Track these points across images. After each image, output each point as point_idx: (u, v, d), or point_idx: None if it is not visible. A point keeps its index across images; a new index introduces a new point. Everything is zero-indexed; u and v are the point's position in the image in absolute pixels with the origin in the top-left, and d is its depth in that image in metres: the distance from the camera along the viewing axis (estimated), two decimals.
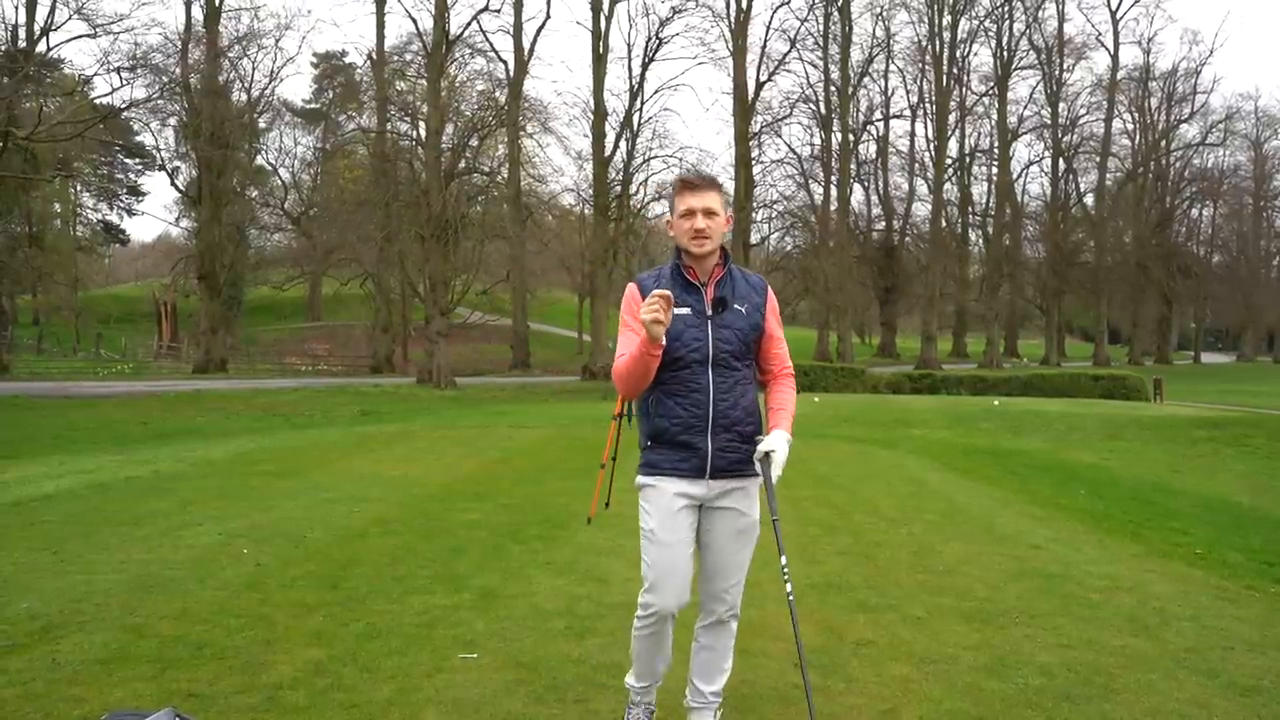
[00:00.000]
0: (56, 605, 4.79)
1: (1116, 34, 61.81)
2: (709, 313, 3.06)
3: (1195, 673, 4.02)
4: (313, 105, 63.97)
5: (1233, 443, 17.67)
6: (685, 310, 3.04)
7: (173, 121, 41.86)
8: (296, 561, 5.85)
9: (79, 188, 57.14)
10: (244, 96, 43.27)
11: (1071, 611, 4.96)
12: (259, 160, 54.91)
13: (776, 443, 3.04)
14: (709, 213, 3.03)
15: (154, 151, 49.51)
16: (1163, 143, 66.53)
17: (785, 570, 3.08)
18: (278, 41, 52.91)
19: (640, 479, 3.16)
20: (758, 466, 3.07)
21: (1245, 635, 4.60)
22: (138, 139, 52.14)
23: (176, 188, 45.38)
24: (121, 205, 62.52)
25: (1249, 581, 5.85)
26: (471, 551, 6.22)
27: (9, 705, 3.49)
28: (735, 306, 3.09)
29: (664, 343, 2.90)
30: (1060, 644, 4.39)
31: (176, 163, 46.56)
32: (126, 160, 58.70)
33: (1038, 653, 4.25)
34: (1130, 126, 66.11)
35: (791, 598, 3.12)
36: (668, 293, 2.78)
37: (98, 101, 33.79)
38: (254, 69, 42.94)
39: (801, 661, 3.11)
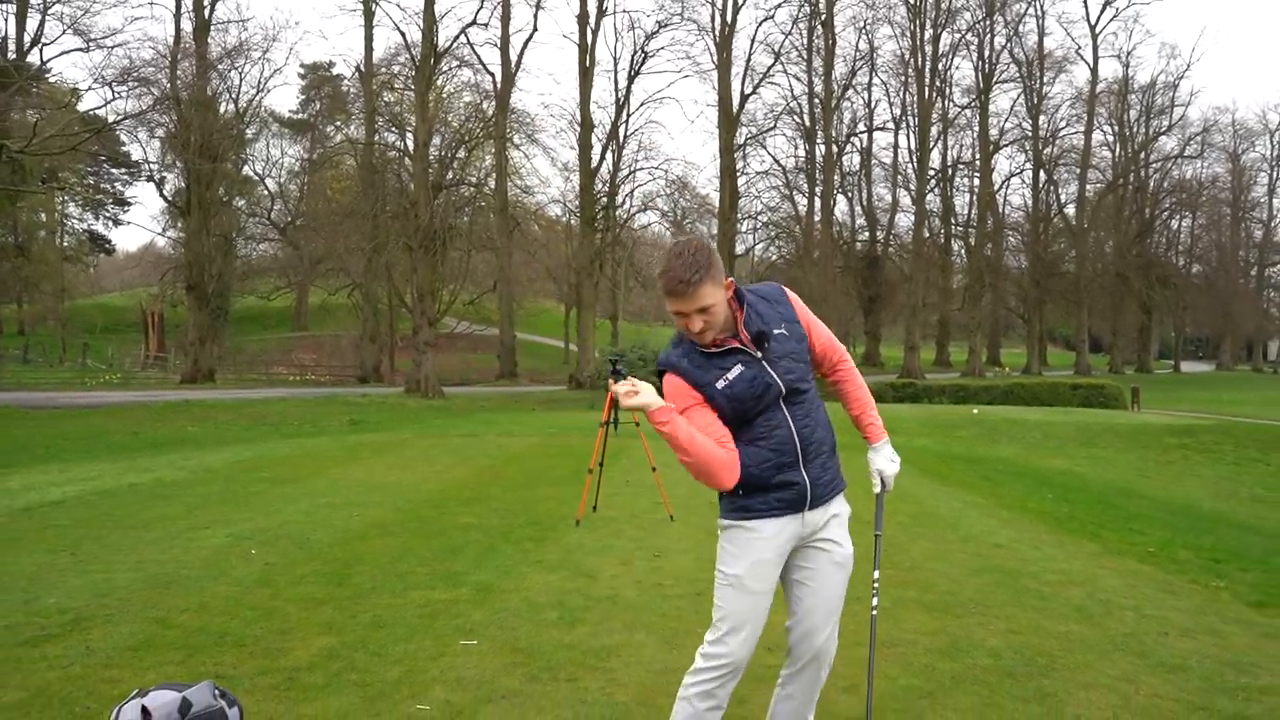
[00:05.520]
0: (82, 600, 5.14)
1: (1096, 48, 62.75)
2: (758, 355, 2.79)
3: (1129, 654, 4.43)
4: (299, 115, 64.27)
5: (1202, 450, 18.19)
6: (738, 369, 2.76)
7: (160, 132, 42.13)
8: (303, 561, 6.21)
9: (65, 198, 57.21)
10: (231, 107, 43.58)
11: (1024, 602, 5.37)
12: (245, 170, 55.15)
13: (885, 464, 3.05)
14: (704, 311, 2.70)
15: (141, 163, 49.75)
16: (1142, 154, 67.46)
17: (876, 584, 3.17)
18: (265, 53, 53.15)
19: (727, 520, 2.88)
20: (875, 486, 3.06)
21: (1180, 623, 5.02)
22: (124, 149, 52.31)
23: (164, 198, 45.66)
24: (108, 215, 62.66)
25: (1193, 576, 6.28)
26: (467, 552, 6.59)
27: (53, 686, 3.85)
28: (777, 332, 2.84)
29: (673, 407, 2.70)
30: (1010, 630, 4.80)
31: (164, 173, 46.79)
32: (113, 170, 58.81)
33: (988, 638, 4.66)
34: (1110, 138, 67.08)
35: (875, 612, 3.21)
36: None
37: (91, 113, 34.00)
38: (241, 80, 43.26)
39: (869, 680, 3.31)
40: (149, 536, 7.00)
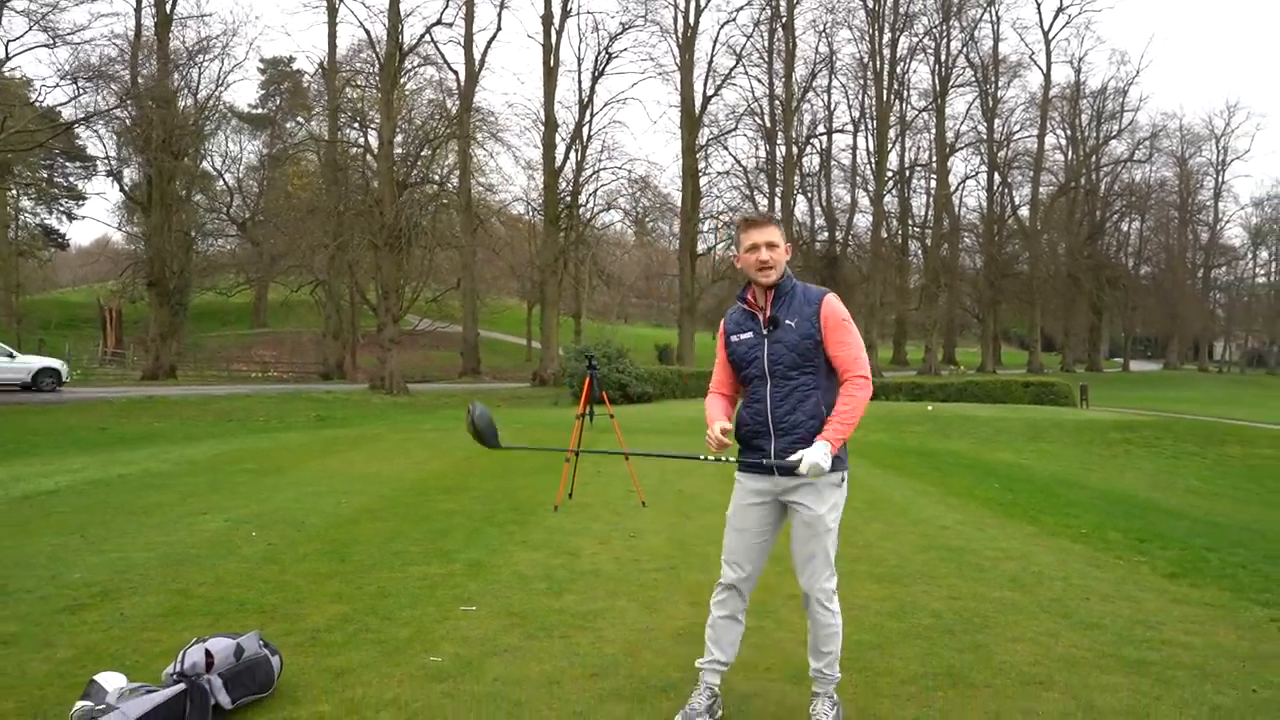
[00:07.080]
0: (105, 575, 5.56)
1: (1049, 54, 64.34)
2: (764, 332, 3.48)
3: (1054, 615, 5.04)
4: (259, 110, 63.86)
5: (1143, 444, 19.09)
6: (748, 335, 3.51)
7: (116, 126, 41.71)
8: (302, 542, 6.65)
9: (17, 191, 56.39)
10: (191, 101, 43.29)
11: (964, 574, 5.98)
12: (204, 165, 54.66)
13: (813, 452, 3.28)
14: (771, 245, 3.41)
15: (99, 157, 49.22)
16: (1093, 158, 69.25)
17: None
18: (225, 47, 52.60)
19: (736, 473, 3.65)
20: (794, 457, 3.34)
21: (1101, 590, 5.64)
22: (80, 143, 51.68)
23: (124, 192, 45.18)
24: (61, 209, 61.85)
25: (1119, 553, 6.93)
26: (455, 533, 7.06)
27: (100, 645, 4.29)
28: (786, 322, 3.43)
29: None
30: (951, 597, 5.39)
31: (121, 167, 46.30)
32: (67, 164, 58.06)
33: (931, 602, 5.25)
34: (1062, 142, 68.83)
35: None
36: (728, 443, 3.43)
37: (54, 109, 33.79)
38: (200, 75, 42.98)
39: None
40: (151, 521, 7.39)
